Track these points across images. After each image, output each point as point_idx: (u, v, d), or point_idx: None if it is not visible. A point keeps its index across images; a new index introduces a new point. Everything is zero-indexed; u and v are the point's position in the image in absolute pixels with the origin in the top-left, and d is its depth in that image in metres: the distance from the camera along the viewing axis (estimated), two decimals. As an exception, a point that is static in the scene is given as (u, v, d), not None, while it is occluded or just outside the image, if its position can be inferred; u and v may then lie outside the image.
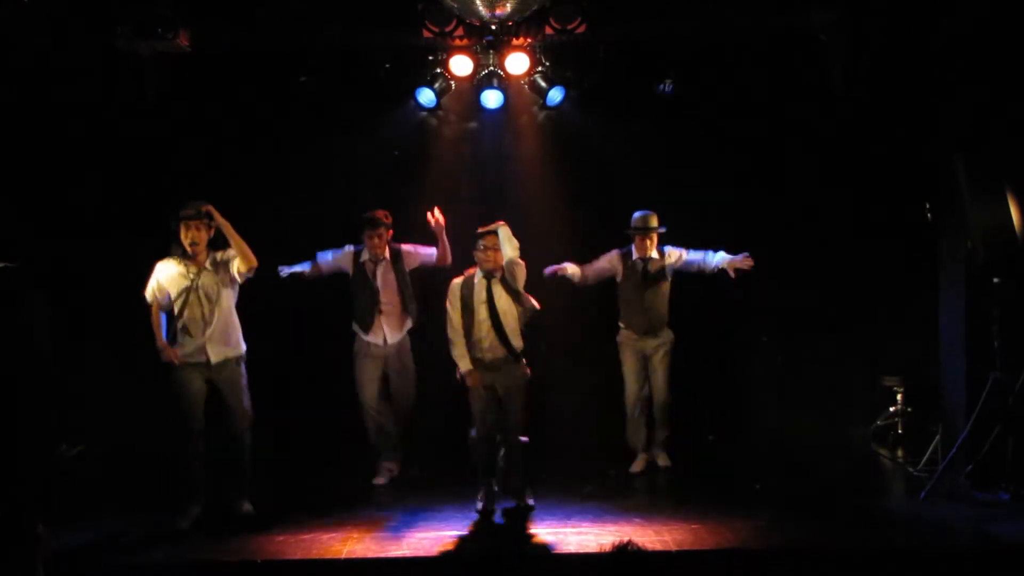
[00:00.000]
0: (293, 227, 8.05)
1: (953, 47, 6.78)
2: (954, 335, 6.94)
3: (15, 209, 7.12)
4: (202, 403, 6.20)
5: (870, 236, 8.00)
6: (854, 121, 7.83)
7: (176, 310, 6.18)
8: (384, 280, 7.10)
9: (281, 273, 7.03)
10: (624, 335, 7.40)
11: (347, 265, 7.16)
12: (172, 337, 6.21)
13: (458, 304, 6.22)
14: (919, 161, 7.31)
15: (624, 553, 3.46)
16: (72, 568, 5.24)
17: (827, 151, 8.04)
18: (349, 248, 7.20)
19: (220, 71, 7.91)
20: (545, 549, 5.52)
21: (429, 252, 7.15)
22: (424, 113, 8.37)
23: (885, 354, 8.11)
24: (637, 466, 7.32)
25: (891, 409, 8.02)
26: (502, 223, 6.23)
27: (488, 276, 6.14)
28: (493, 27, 7.53)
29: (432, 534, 5.75)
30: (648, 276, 7.27)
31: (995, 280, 6.33)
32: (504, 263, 6.16)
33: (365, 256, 7.12)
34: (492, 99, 8.12)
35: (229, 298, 6.25)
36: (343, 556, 5.34)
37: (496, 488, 6.32)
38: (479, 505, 6.23)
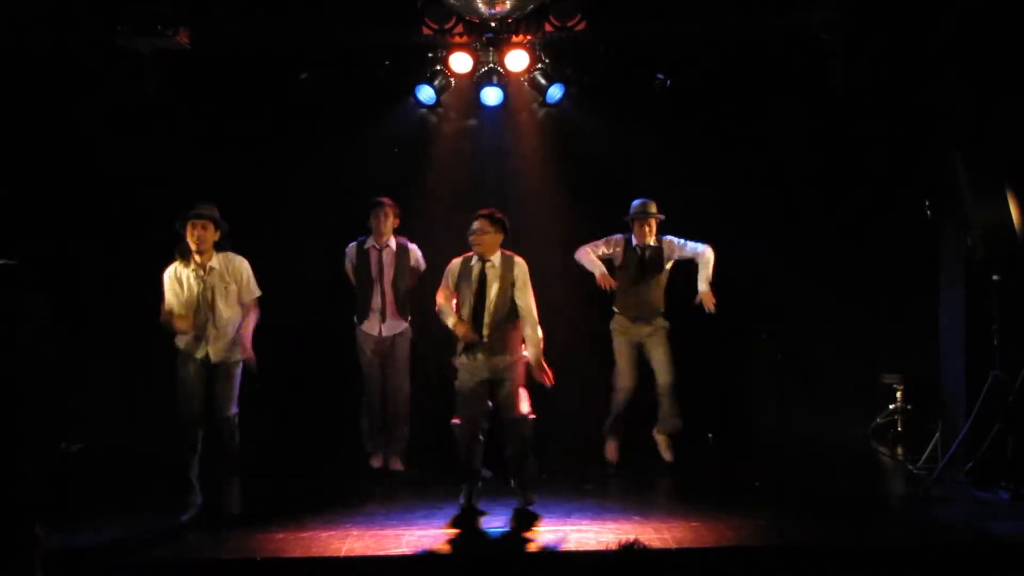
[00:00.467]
0: (292, 224, 8.07)
1: (953, 47, 6.78)
2: (954, 333, 6.95)
3: (14, 208, 7.12)
4: (201, 393, 6.14)
5: (870, 234, 8.01)
6: (854, 120, 7.83)
7: (187, 314, 6.12)
8: (385, 269, 7.11)
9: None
10: (617, 320, 7.41)
11: (353, 258, 7.19)
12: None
13: (451, 281, 6.17)
14: (919, 160, 7.31)
15: (630, 552, 3.45)
16: (72, 568, 5.24)
17: (827, 150, 8.05)
18: (350, 246, 7.21)
19: (220, 69, 7.91)
20: (545, 547, 5.51)
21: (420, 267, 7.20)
22: (424, 110, 8.37)
23: (885, 352, 8.12)
24: (611, 452, 7.34)
25: (891, 407, 8.02)
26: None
27: (481, 259, 6.13)
28: (493, 24, 7.53)
29: (432, 532, 5.75)
30: (646, 264, 7.28)
31: (995, 278, 6.34)
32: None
33: (370, 242, 7.14)
34: (492, 96, 8.13)
35: (235, 300, 6.23)
36: (343, 554, 5.33)
37: (479, 484, 6.24)
38: (461, 500, 6.18)
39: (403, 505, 6.29)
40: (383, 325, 7.10)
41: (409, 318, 7.21)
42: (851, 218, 8.07)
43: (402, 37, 7.79)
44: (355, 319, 7.15)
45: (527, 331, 6.06)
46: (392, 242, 7.15)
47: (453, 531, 5.80)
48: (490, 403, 6.13)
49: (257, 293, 6.28)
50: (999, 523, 5.83)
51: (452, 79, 8.17)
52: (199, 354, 6.12)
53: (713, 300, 7.14)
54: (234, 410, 6.16)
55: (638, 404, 7.36)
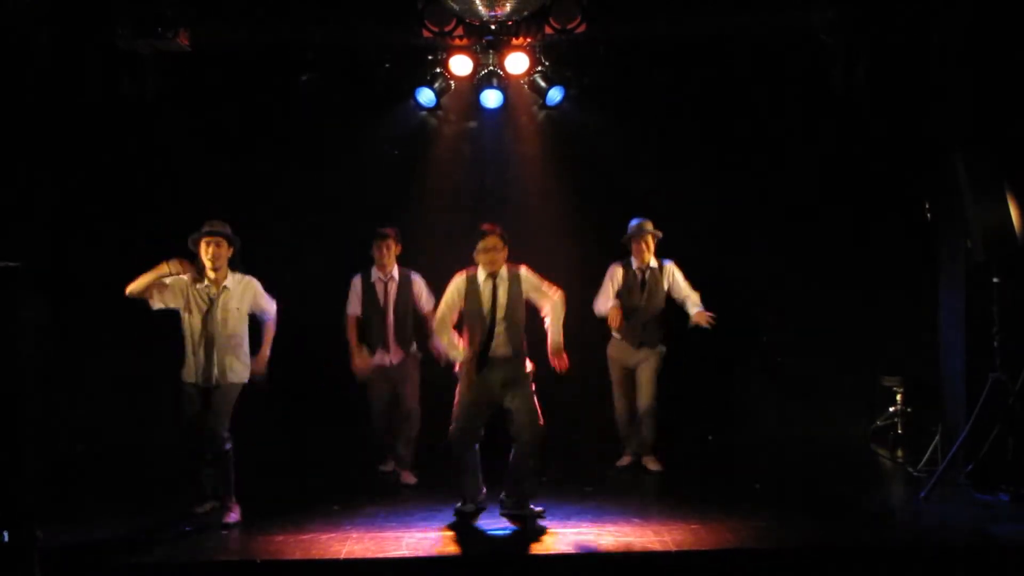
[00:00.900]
0: (292, 225, 8.07)
1: (952, 47, 6.78)
2: (954, 335, 6.94)
3: (15, 209, 7.12)
4: (201, 419, 6.12)
5: (870, 236, 8.01)
6: (854, 121, 7.83)
7: (192, 329, 6.10)
8: (393, 299, 7.10)
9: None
10: (615, 347, 7.39)
11: (360, 291, 7.15)
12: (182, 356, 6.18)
13: (457, 298, 6.08)
14: (918, 161, 7.32)
15: None
16: (72, 568, 5.24)
17: (827, 151, 8.05)
18: (355, 278, 7.18)
19: (220, 71, 7.91)
20: (545, 549, 5.50)
21: (426, 301, 7.10)
22: (424, 113, 8.38)
23: (885, 354, 8.11)
24: (624, 460, 7.37)
25: (891, 409, 8.02)
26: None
27: (491, 276, 6.07)
28: (493, 27, 7.53)
29: (431, 535, 5.75)
30: (646, 286, 7.25)
31: (995, 280, 6.33)
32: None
33: (375, 275, 7.12)
34: (492, 99, 8.13)
35: (244, 321, 6.20)
36: (342, 556, 5.33)
37: (483, 489, 6.17)
38: (458, 504, 6.11)
39: (403, 507, 6.29)
40: (391, 355, 7.09)
41: (415, 343, 7.19)
42: (851, 219, 8.07)
43: (402, 40, 7.80)
44: (364, 348, 7.14)
45: (558, 313, 6.04)
46: (396, 273, 7.13)
47: (453, 533, 5.80)
48: (510, 413, 6.06)
49: (274, 307, 6.29)
50: (999, 525, 5.82)
51: (452, 81, 8.18)
52: (204, 379, 6.06)
53: (708, 315, 7.06)
54: (225, 434, 6.05)
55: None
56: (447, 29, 7.45)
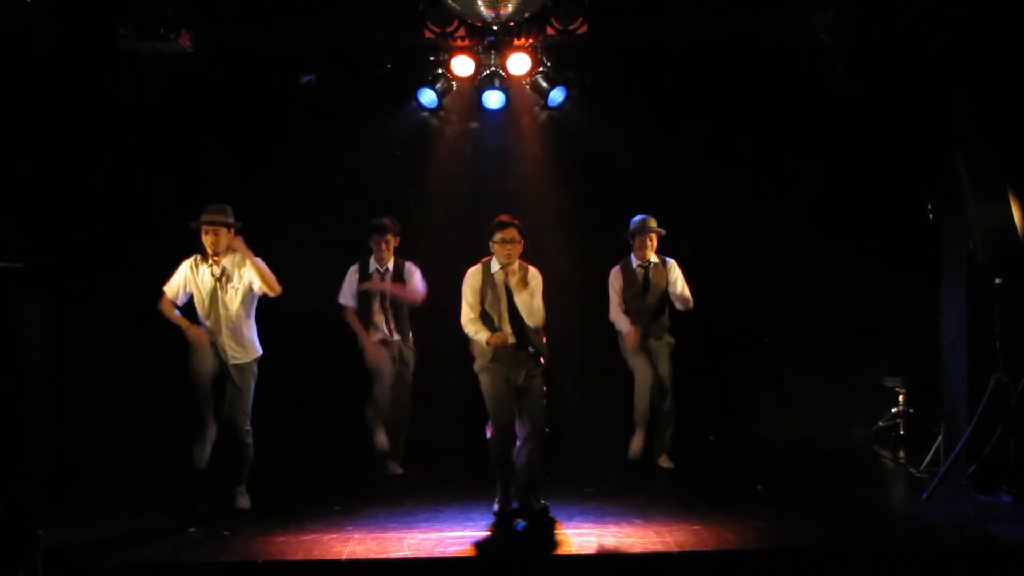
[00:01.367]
0: (293, 226, 8.07)
1: (953, 47, 6.78)
2: (956, 336, 6.93)
3: (19, 210, 7.13)
4: (213, 373, 6.22)
5: (871, 236, 8.00)
6: (854, 121, 7.83)
7: (201, 311, 6.25)
8: (387, 290, 7.15)
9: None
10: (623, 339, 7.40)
11: (356, 281, 7.20)
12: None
13: (476, 290, 6.08)
14: (920, 161, 7.31)
15: None
16: (73, 568, 5.24)
17: (828, 151, 8.05)
18: (352, 268, 7.23)
19: (221, 72, 7.92)
20: (546, 550, 5.51)
21: (414, 290, 7.16)
22: (426, 113, 8.38)
23: (886, 355, 8.11)
24: (636, 443, 7.21)
25: (893, 410, 8.02)
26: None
27: (505, 268, 6.09)
28: (495, 28, 7.53)
29: (433, 535, 5.74)
30: (649, 282, 7.26)
31: (997, 281, 6.32)
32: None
33: (373, 265, 7.16)
34: (493, 99, 8.13)
35: (249, 301, 6.32)
36: (344, 557, 5.33)
37: (512, 488, 6.17)
38: (495, 507, 6.11)
39: (404, 508, 6.28)
40: (394, 330, 7.16)
41: (411, 335, 7.24)
42: (853, 220, 8.06)
43: (404, 40, 7.80)
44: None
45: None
46: (391, 264, 7.20)
47: (454, 534, 5.79)
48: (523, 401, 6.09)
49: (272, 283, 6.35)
50: (1001, 526, 5.82)
51: (454, 82, 8.18)
52: (217, 353, 6.23)
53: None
54: (248, 427, 6.27)
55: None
56: (449, 30, 7.45)
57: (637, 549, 5.42)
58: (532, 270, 6.12)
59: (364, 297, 7.16)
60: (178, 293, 6.27)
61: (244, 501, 6.31)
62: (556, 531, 5.78)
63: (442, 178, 8.43)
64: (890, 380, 8.02)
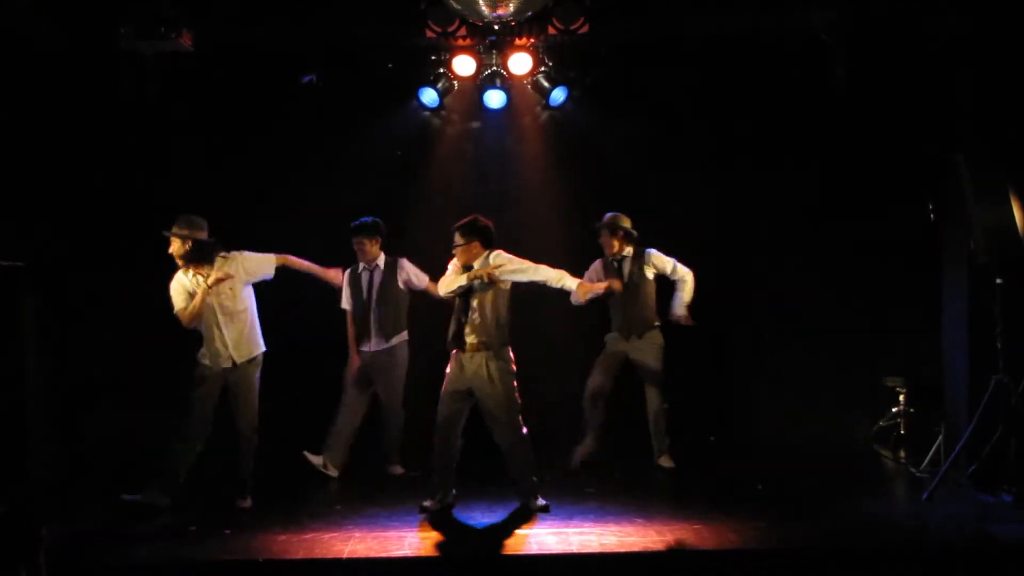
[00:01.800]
0: (294, 227, 8.06)
1: (953, 46, 6.78)
2: (956, 336, 6.93)
3: (17, 209, 7.13)
4: (213, 406, 6.34)
5: (872, 236, 7.99)
6: (855, 120, 7.83)
7: (196, 315, 6.31)
8: (376, 288, 7.21)
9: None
10: (610, 337, 7.45)
11: (348, 283, 7.26)
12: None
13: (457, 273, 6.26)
14: (921, 161, 7.31)
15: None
16: (74, 566, 5.25)
17: (828, 151, 8.04)
18: (346, 272, 7.27)
19: (222, 71, 7.92)
20: (547, 549, 5.50)
21: (421, 279, 7.24)
22: (427, 113, 8.40)
23: (887, 354, 8.10)
24: (578, 454, 7.25)
25: (893, 410, 8.01)
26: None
27: (465, 268, 6.19)
28: (496, 27, 7.54)
29: (434, 534, 5.75)
30: (623, 275, 7.29)
31: (998, 281, 6.32)
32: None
33: (361, 267, 7.22)
34: (495, 99, 8.14)
35: (245, 300, 6.37)
36: (345, 556, 5.34)
37: (454, 488, 6.26)
38: (426, 503, 6.15)
39: (405, 506, 6.28)
40: (371, 344, 7.21)
41: (404, 333, 7.28)
42: (853, 220, 8.06)
43: (405, 40, 7.80)
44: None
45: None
46: (381, 261, 7.22)
47: (455, 533, 5.80)
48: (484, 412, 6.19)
49: (272, 258, 6.49)
50: (1001, 526, 5.82)
51: (455, 82, 8.19)
52: (222, 365, 6.29)
53: (690, 320, 7.21)
54: (256, 425, 6.37)
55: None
56: (450, 29, 7.46)
57: (638, 548, 5.43)
58: (495, 254, 6.17)
59: (359, 304, 7.22)
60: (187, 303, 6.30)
61: (245, 501, 6.36)
62: (557, 530, 5.78)
63: (443, 177, 8.43)
64: (891, 380, 8.01)
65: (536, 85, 8.18)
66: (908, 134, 7.52)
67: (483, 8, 6.91)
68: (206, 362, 6.35)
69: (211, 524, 5.95)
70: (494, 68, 7.99)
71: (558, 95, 8.13)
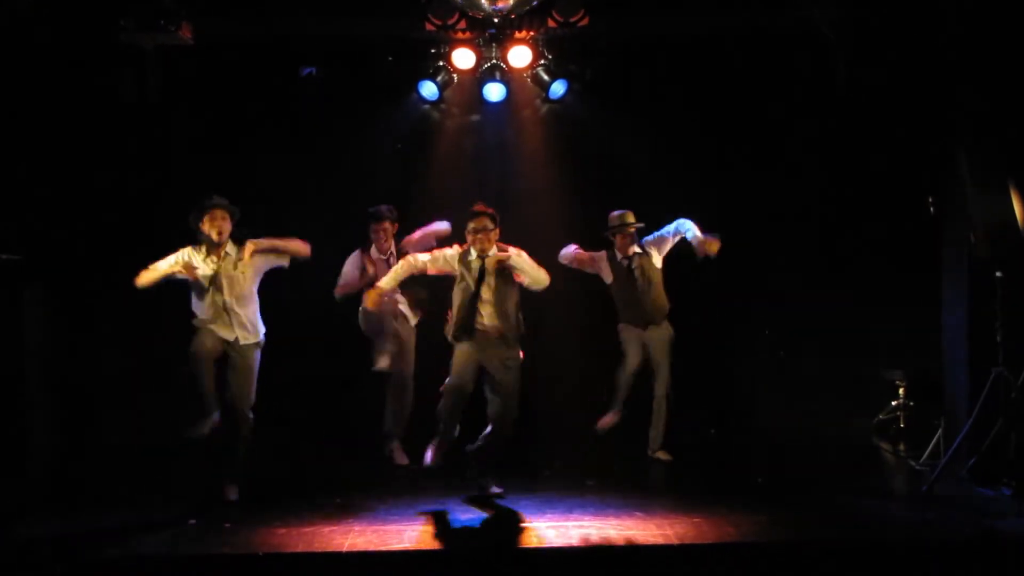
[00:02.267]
0: (295, 219, 8.04)
1: (956, 44, 6.76)
2: (956, 329, 6.93)
3: (19, 203, 7.12)
4: (212, 357, 6.26)
5: (873, 230, 7.99)
6: (856, 115, 7.81)
7: (200, 296, 6.28)
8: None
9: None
10: (625, 328, 7.44)
11: (357, 267, 7.25)
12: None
13: (444, 262, 6.33)
14: (921, 155, 7.30)
15: None
16: (75, 560, 5.25)
17: (830, 146, 8.03)
18: (354, 255, 7.27)
19: (222, 64, 7.90)
20: (547, 543, 5.51)
21: (437, 228, 7.22)
22: (426, 106, 8.38)
23: (887, 348, 8.10)
24: (608, 420, 7.30)
25: (893, 403, 8.01)
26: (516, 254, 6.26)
27: (482, 256, 6.20)
28: (496, 20, 7.53)
29: (434, 527, 5.76)
30: (634, 274, 7.28)
31: (998, 275, 6.31)
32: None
33: (375, 254, 7.17)
34: (495, 92, 8.13)
35: (251, 285, 6.37)
36: (345, 549, 5.34)
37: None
38: (427, 459, 6.31)
39: (405, 500, 6.29)
40: (397, 324, 7.21)
41: (422, 313, 7.30)
42: (854, 214, 8.05)
43: (405, 33, 7.79)
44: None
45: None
46: (395, 248, 7.23)
47: (455, 526, 5.81)
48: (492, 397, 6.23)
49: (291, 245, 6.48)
50: (1001, 520, 5.82)
51: (455, 75, 8.18)
52: (219, 332, 6.26)
53: (715, 243, 7.03)
54: (251, 414, 6.30)
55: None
56: (450, 22, 7.45)
57: (638, 542, 5.43)
58: (513, 250, 6.25)
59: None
60: (171, 267, 6.21)
61: (232, 492, 6.29)
62: (557, 524, 5.79)
63: (443, 171, 8.42)
64: (891, 373, 8.01)
65: (536, 78, 8.16)
66: (909, 129, 7.50)
67: (483, 1, 6.91)
68: (201, 321, 6.28)
69: (211, 518, 5.95)
70: (494, 61, 7.98)
71: (558, 88, 8.12)
